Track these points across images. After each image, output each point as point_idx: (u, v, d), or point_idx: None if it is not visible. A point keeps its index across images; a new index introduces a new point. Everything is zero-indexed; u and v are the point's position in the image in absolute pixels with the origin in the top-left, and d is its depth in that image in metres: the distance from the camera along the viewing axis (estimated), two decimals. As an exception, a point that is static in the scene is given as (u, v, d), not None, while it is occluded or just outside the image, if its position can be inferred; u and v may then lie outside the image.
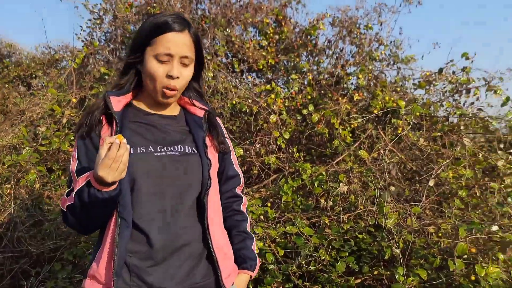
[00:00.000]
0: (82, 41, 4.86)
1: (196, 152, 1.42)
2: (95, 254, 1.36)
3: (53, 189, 3.35)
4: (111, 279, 1.26)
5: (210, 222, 1.40)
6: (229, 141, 1.62)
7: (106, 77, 4.07)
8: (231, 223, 1.59)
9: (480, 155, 3.10)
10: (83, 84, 4.10)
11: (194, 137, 1.45)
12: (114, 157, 1.13)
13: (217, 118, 1.63)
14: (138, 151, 1.33)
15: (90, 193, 1.20)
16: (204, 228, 1.40)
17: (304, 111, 4.13)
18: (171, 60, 1.34)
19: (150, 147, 1.36)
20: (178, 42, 1.33)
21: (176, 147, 1.39)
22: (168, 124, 1.46)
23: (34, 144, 3.39)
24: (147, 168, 1.32)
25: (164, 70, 1.34)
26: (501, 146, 3.71)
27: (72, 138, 3.65)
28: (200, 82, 1.54)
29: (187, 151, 1.41)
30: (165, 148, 1.37)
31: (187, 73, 1.40)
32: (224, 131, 1.63)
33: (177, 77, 1.35)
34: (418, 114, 3.60)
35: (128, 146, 1.17)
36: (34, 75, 5.27)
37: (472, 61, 3.77)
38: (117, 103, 1.37)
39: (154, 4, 4.30)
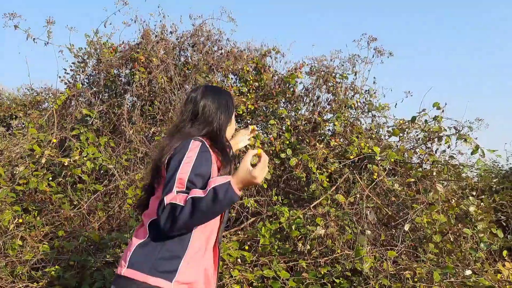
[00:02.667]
0: (65, 83, 4.92)
1: None
2: (181, 256, 1.57)
3: (27, 229, 3.29)
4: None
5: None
6: None
7: (88, 118, 4.10)
8: None
9: (453, 201, 3.20)
10: (64, 125, 4.11)
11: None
12: (266, 164, 1.55)
13: None
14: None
15: (228, 191, 1.46)
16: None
17: (282, 155, 4.21)
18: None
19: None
20: None
21: None
22: None
23: (11, 184, 3.35)
24: None
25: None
26: (473, 193, 3.84)
27: (50, 178, 3.63)
28: None
29: None
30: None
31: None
32: None
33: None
34: (392, 160, 3.72)
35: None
36: (14, 116, 5.25)
37: (443, 111, 3.94)
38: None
39: (138, 50, 4.41)
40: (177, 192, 1.47)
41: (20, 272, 2.92)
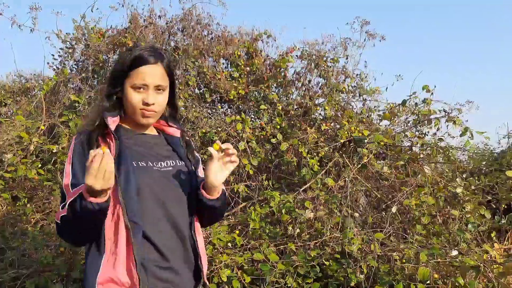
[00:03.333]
0: (54, 69, 4.87)
1: (183, 164, 1.62)
2: (99, 263, 1.42)
3: (17, 217, 3.29)
4: (133, 277, 1.38)
5: (196, 227, 1.61)
6: (199, 157, 1.80)
7: (76, 104, 4.08)
8: None
9: (442, 183, 3.22)
10: (53, 112, 4.09)
11: (178, 153, 1.65)
12: (98, 167, 1.23)
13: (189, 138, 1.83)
14: (140, 165, 1.50)
15: (82, 204, 1.29)
16: (192, 232, 1.58)
17: (273, 140, 4.21)
18: (147, 89, 1.51)
19: (149, 161, 1.53)
20: (151, 74, 1.51)
21: (168, 162, 1.59)
22: (157, 143, 1.65)
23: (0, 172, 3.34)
24: (148, 179, 1.48)
25: (140, 97, 1.52)
26: (464, 176, 3.86)
27: (39, 165, 3.61)
28: (175, 105, 1.71)
29: (178, 165, 1.60)
30: (160, 163, 1.56)
31: (162, 98, 1.57)
32: (193, 146, 1.82)
33: (153, 103, 1.53)
34: (383, 144, 3.72)
35: (110, 155, 1.27)
36: (3, 103, 5.21)
37: (432, 94, 3.95)
38: (112, 123, 1.53)
39: (126, 35, 4.37)
40: (61, 206, 1.39)
41: (10, 259, 2.93)
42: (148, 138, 1.63)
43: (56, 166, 3.80)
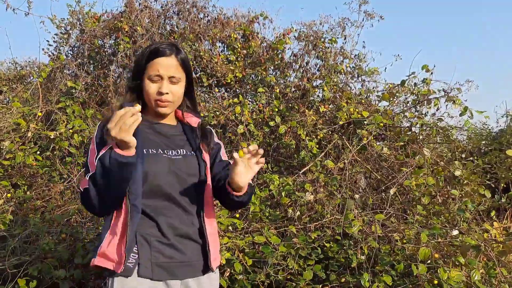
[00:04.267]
0: (49, 55, 4.82)
1: (194, 154, 1.70)
2: (104, 236, 1.57)
3: (18, 204, 3.28)
4: (122, 255, 1.50)
5: (206, 214, 1.67)
6: (221, 143, 1.90)
7: (73, 91, 4.04)
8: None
9: (441, 163, 3.22)
10: (50, 98, 4.05)
11: (190, 143, 1.73)
12: (122, 115, 1.38)
13: (210, 129, 1.90)
14: (150, 152, 1.59)
15: (111, 156, 1.41)
16: (200, 219, 1.65)
17: (272, 123, 4.19)
18: (161, 80, 1.62)
19: (160, 149, 1.63)
20: (166, 65, 1.62)
21: (179, 150, 1.67)
22: (172, 132, 1.74)
23: (-2, 159, 3.33)
24: (157, 166, 1.57)
25: (156, 87, 1.63)
26: (462, 155, 3.86)
27: (37, 151, 3.60)
28: (193, 97, 1.82)
29: (188, 153, 1.68)
30: (171, 151, 1.65)
31: (177, 89, 1.66)
32: (214, 134, 1.90)
33: (167, 93, 1.62)
34: (382, 124, 3.71)
35: (139, 113, 1.41)
36: (-1, 91, 5.16)
37: (432, 73, 3.92)
38: None
39: (122, 19, 4.31)
40: (86, 176, 1.52)
41: (12, 246, 2.93)
42: (164, 127, 1.72)
43: (54, 153, 3.79)
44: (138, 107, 1.43)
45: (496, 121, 7.22)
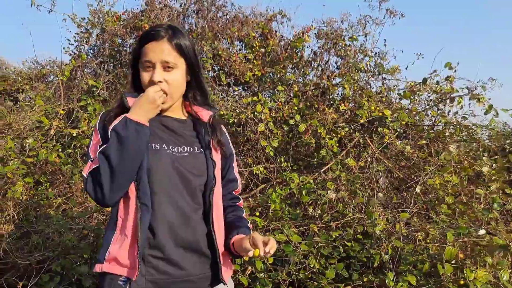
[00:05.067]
0: (70, 54, 4.87)
1: (203, 152, 1.53)
2: (110, 238, 1.43)
3: (40, 201, 3.31)
4: (135, 261, 1.35)
5: (215, 219, 1.51)
6: (232, 147, 1.72)
7: (94, 89, 4.07)
8: (230, 217, 1.65)
9: (466, 162, 3.15)
10: (71, 97, 4.09)
11: (200, 140, 1.56)
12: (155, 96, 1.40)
13: (222, 126, 1.71)
14: (153, 147, 1.44)
15: (128, 122, 1.35)
16: (209, 226, 1.50)
17: (291, 121, 4.17)
18: (153, 67, 1.44)
19: (164, 145, 1.47)
20: (156, 50, 1.43)
21: (185, 147, 1.51)
22: (179, 127, 1.57)
23: (21, 156, 3.36)
24: (159, 163, 1.42)
25: (148, 76, 1.46)
26: (485, 155, 3.78)
27: (59, 149, 3.63)
28: (201, 87, 1.61)
29: (196, 151, 1.52)
30: (176, 147, 1.49)
31: (172, 77, 1.47)
32: (227, 137, 1.71)
33: (159, 82, 1.44)
34: (404, 122, 3.66)
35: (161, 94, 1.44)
36: (21, 90, 5.23)
37: (455, 71, 3.85)
38: (132, 103, 1.47)
39: (142, 18, 4.33)
40: (90, 159, 1.42)
41: (36, 242, 2.96)
42: (170, 121, 1.55)
43: (76, 150, 3.82)
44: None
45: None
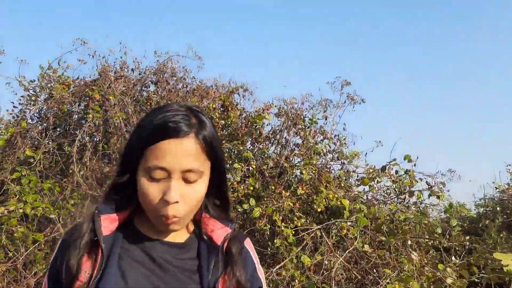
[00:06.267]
0: (13, 117, 4.52)
1: None
2: None
3: None
4: None
5: None
6: (262, 276, 1.13)
7: (31, 160, 3.71)
8: None
9: (426, 268, 2.96)
10: (5, 166, 3.71)
11: (201, 277, 1.01)
12: None
13: (247, 244, 1.15)
14: None
15: None
16: None
17: (245, 206, 3.91)
18: (169, 177, 0.95)
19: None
20: (178, 154, 0.94)
21: None
22: (172, 257, 1.04)
23: None
24: None
25: (158, 190, 0.96)
26: (450, 257, 3.62)
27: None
28: (223, 194, 1.12)
29: None
30: None
31: (195, 191, 0.99)
32: (256, 262, 1.15)
33: (177, 202, 0.95)
34: (362, 227, 3.48)
35: None
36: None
37: (415, 164, 3.77)
38: (109, 223, 1.02)
39: (93, 87, 4.07)
40: None
41: None
42: (160, 249, 1.04)
43: (2, 226, 3.39)
44: None
45: (475, 203, 7.19)
